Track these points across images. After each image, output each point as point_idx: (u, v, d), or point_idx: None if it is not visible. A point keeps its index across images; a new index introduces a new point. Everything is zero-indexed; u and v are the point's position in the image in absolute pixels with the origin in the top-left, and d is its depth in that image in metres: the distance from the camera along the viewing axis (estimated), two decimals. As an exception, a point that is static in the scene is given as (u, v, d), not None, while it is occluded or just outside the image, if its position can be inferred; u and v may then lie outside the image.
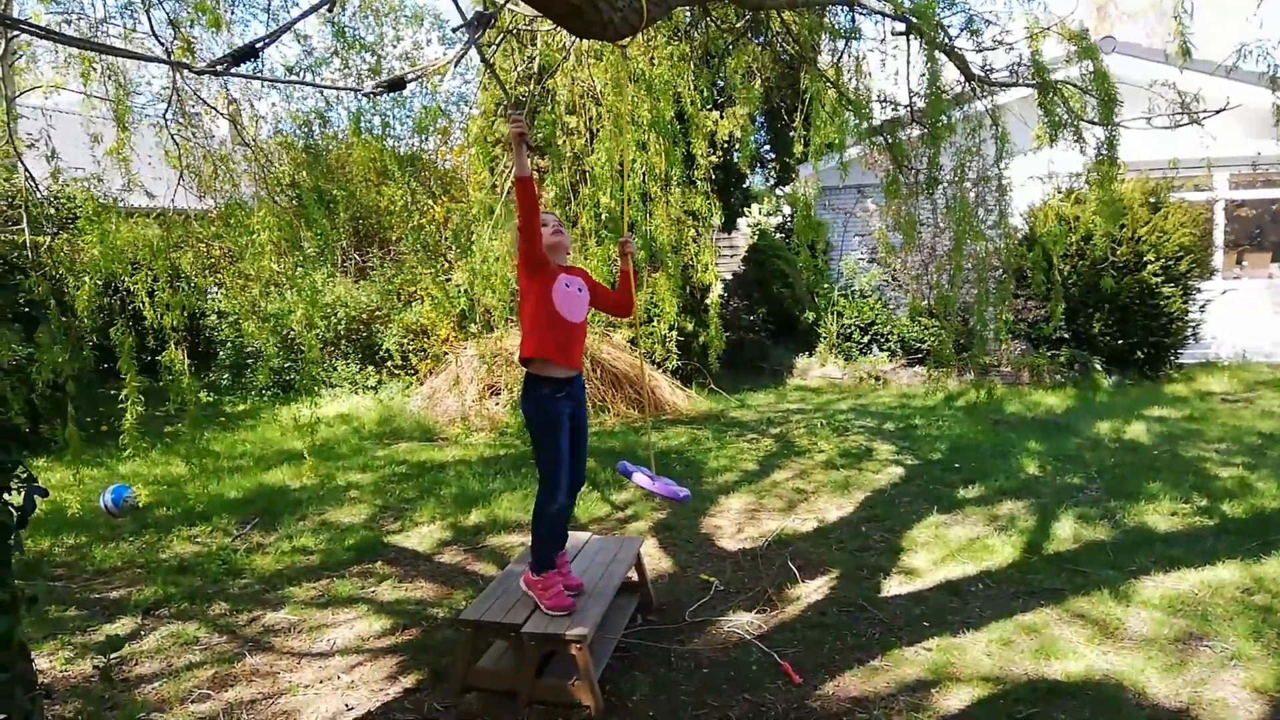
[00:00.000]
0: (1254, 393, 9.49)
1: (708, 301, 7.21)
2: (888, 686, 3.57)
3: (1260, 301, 11.72)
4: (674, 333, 7.00)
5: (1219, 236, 11.93)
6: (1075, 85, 5.17)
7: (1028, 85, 5.25)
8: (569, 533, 4.56)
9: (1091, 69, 5.02)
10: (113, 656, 3.92)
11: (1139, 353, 10.42)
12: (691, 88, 6.16)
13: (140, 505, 5.93)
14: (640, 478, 4.13)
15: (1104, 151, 5.18)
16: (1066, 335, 10.47)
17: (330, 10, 2.35)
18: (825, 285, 11.99)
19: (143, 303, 5.19)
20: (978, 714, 3.33)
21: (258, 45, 2.11)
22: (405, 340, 10.95)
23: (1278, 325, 11.56)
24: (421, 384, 10.22)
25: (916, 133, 5.63)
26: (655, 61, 5.81)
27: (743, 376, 11.29)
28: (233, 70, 2.24)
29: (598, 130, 6.29)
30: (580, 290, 3.72)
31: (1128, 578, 4.50)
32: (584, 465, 3.90)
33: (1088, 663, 3.69)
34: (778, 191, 15.21)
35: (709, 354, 6.82)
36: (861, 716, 3.36)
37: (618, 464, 4.20)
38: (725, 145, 9.23)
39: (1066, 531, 5.24)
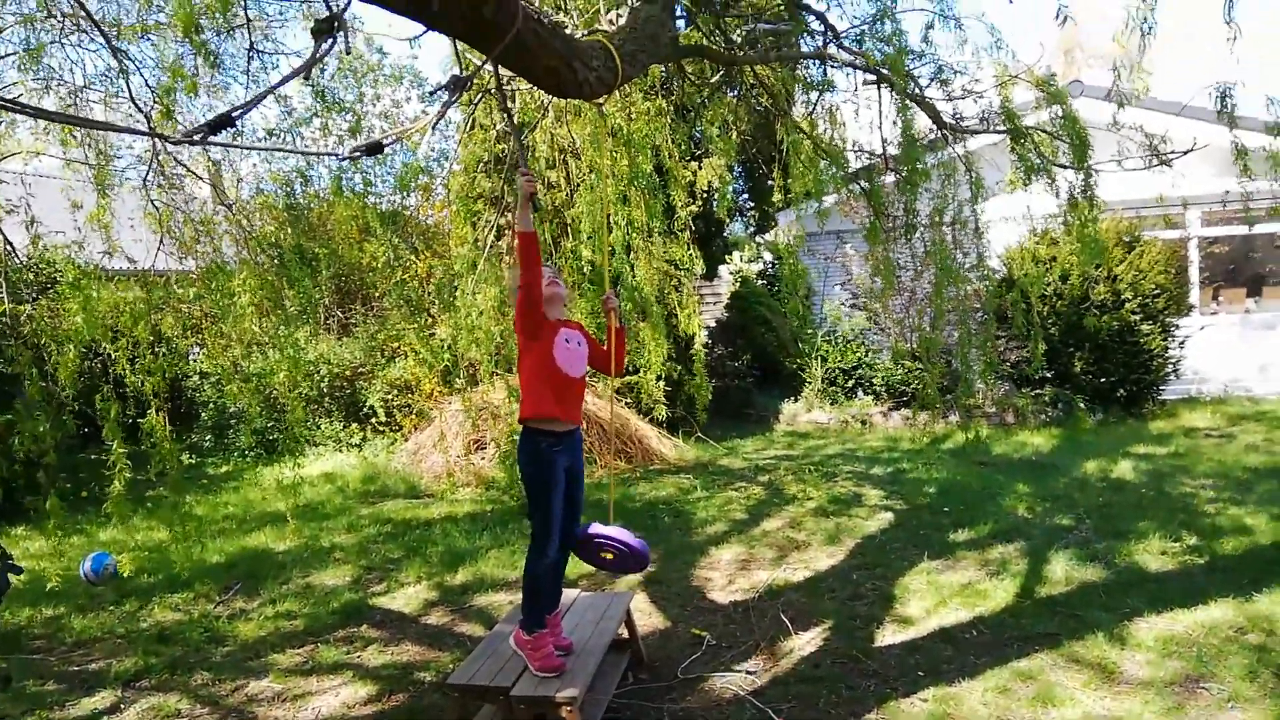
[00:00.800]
0: (1237, 427, 9.55)
1: (692, 351, 7.25)
2: (885, 740, 3.51)
3: (1238, 336, 11.85)
4: (661, 382, 7.00)
5: (1194, 273, 12.09)
6: (1046, 131, 5.27)
7: (999, 132, 5.36)
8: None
9: (1061, 113, 5.12)
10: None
11: (1121, 390, 10.49)
12: (669, 141, 6.25)
13: (121, 574, 5.82)
14: (604, 532, 3.91)
15: (1080, 193, 5.27)
16: (1049, 375, 10.53)
17: (307, 78, 2.38)
18: (809, 330, 12.05)
19: (124, 370, 5.15)
20: (977, 767, 3.28)
21: (234, 114, 2.12)
22: (389, 396, 10.89)
23: (1256, 359, 11.67)
24: (406, 440, 10.15)
25: (892, 179, 5.72)
26: (633, 116, 5.90)
27: (730, 424, 11.27)
28: (210, 139, 2.25)
29: (578, 184, 6.36)
30: (580, 344, 3.71)
31: (1121, 620, 4.47)
32: (579, 520, 3.85)
33: (1085, 709, 3.65)
34: (757, 239, 15.36)
35: (695, 403, 6.83)
36: (859, 773, 3.29)
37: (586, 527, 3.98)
38: (704, 195, 9.34)
39: (1059, 574, 5.21)
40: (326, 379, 11.13)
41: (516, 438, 3.86)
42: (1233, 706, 3.59)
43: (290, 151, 6.59)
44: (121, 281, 6.32)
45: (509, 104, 7.01)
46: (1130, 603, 4.68)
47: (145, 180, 5.94)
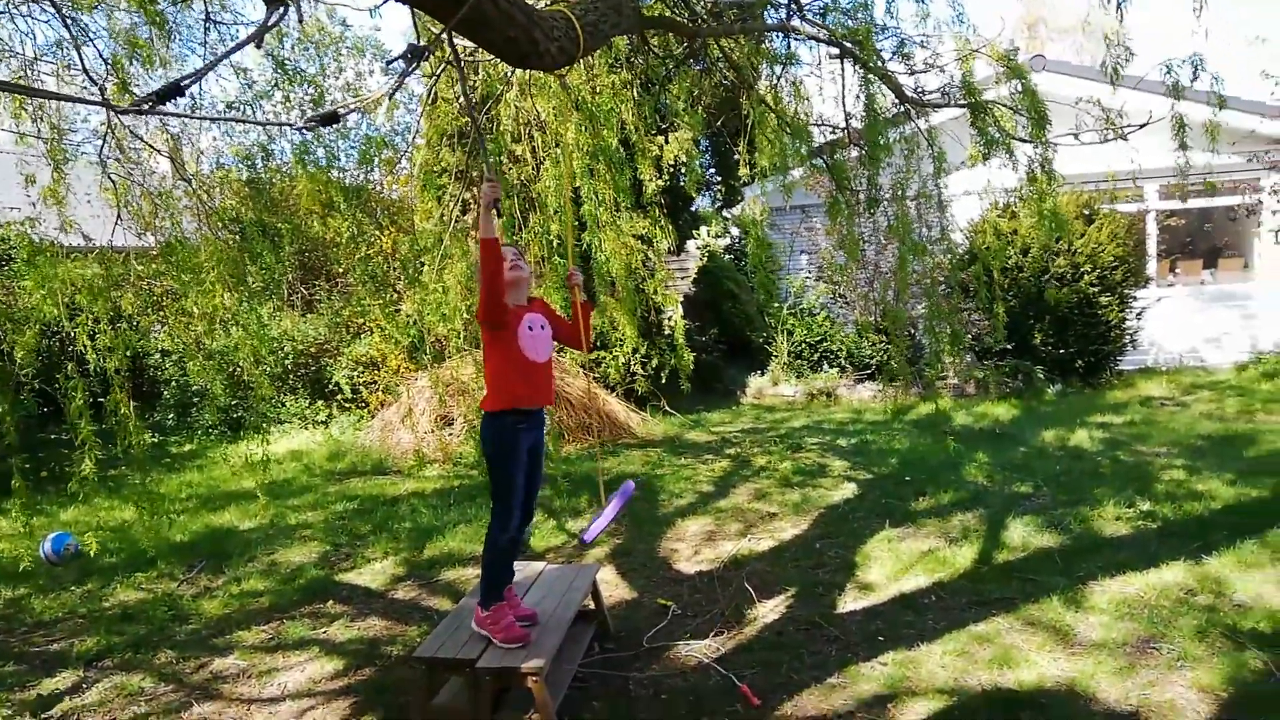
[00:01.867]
0: (1191, 396, 9.78)
1: (668, 324, 7.26)
2: (845, 704, 3.59)
3: (1194, 307, 12.11)
4: (637, 356, 7.02)
5: (1152, 246, 12.31)
6: (1005, 105, 5.32)
7: (960, 106, 5.40)
8: (524, 563, 4.54)
9: (1020, 88, 5.17)
10: (55, 712, 3.79)
11: (1080, 361, 10.69)
12: (635, 114, 6.22)
13: (84, 553, 5.75)
14: (600, 523, 4.16)
15: (1039, 167, 5.33)
16: (1009, 347, 10.69)
17: (259, 45, 2.34)
18: (775, 305, 12.12)
19: (84, 347, 5.05)
20: (934, 727, 3.36)
21: (183, 83, 2.09)
22: (355, 373, 10.81)
23: (1211, 330, 11.94)
24: (373, 417, 10.09)
25: (855, 154, 5.75)
26: (598, 90, 5.86)
27: (697, 397, 11.33)
28: (160, 108, 2.21)
29: (544, 158, 6.32)
30: (543, 328, 3.69)
31: (1077, 584, 4.59)
32: (535, 498, 3.88)
33: (1041, 670, 3.75)
34: (725, 214, 15.38)
35: (679, 376, 6.85)
36: (820, 735, 3.37)
37: (582, 536, 4.21)
38: (671, 169, 9.33)
39: (1016, 540, 5.33)
40: (291, 356, 11.01)
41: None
42: (1182, 665, 3.70)
43: (245, 121, 6.47)
44: (79, 258, 6.20)
45: (467, 82, 6.95)
46: (1085, 567, 4.81)
47: (101, 154, 5.82)
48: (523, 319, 3.61)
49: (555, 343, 3.83)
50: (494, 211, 3.39)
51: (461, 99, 6.95)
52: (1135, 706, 3.42)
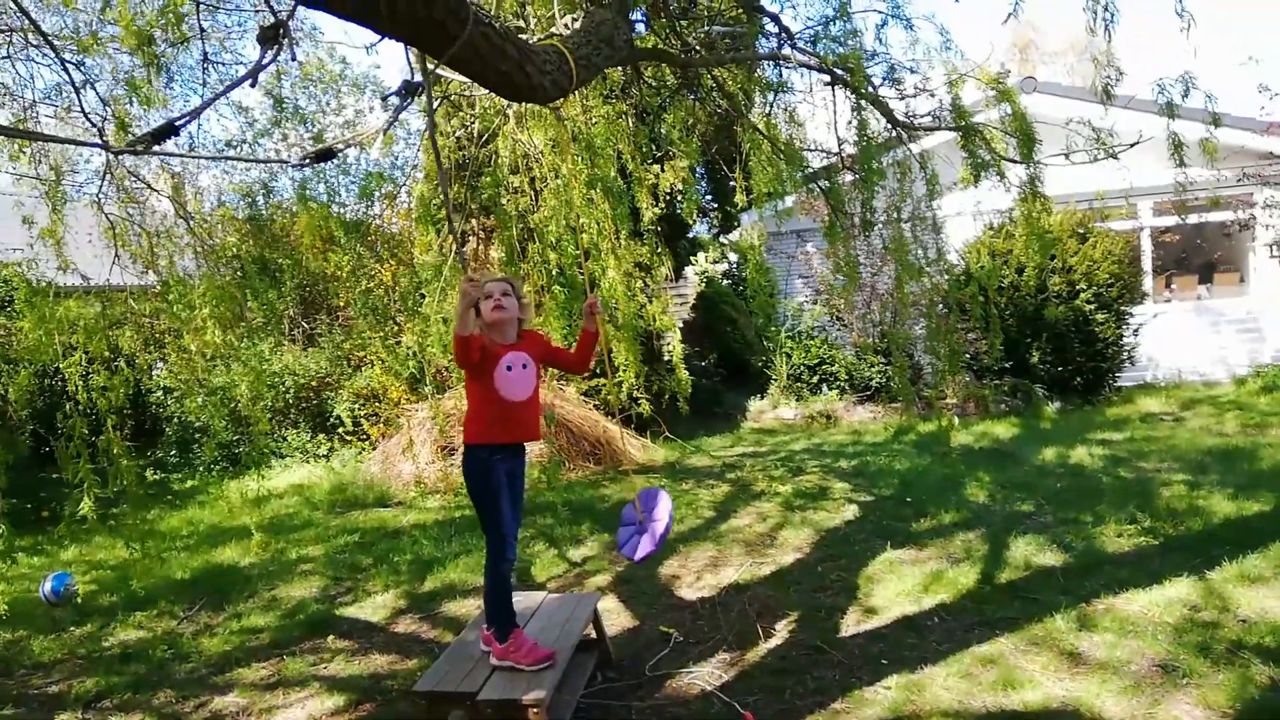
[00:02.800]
0: (1190, 411, 9.77)
1: (666, 349, 7.26)
2: (849, 729, 3.57)
3: (1190, 322, 12.14)
4: (639, 380, 7.03)
5: (1147, 262, 12.36)
6: (996, 127, 5.38)
7: (950, 129, 5.46)
8: (524, 593, 4.54)
9: (1010, 110, 5.23)
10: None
11: (1078, 379, 10.70)
12: (631, 144, 6.29)
13: (79, 597, 5.73)
14: (647, 541, 3.94)
15: (1028, 188, 5.38)
16: (1007, 365, 10.71)
17: (253, 85, 2.38)
18: (773, 328, 12.16)
19: (76, 387, 5.08)
20: (939, 750, 3.34)
21: (178, 123, 2.12)
22: (356, 406, 10.83)
23: (1209, 345, 11.96)
24: (374, 449, 10.09)
25: (849, 178, 5.81)
26: (593, 120, 5.93)
27: (697, 423, 11.32)
28: (155, 148, 2.25)
29: (542, 189, 6.37)
30: (525, 367, 3.64)
31: (1079, 602, 4.57)
32: (519, 520, 3.89)
33: (1045, 691, 3.73)
34: (721, 240, 15.47)
35: (678, 399, 6.87)
36: (824, 761, 3.34)
37: (622, 550, 4.04)
38: (667, 197, 9.41)
39: (1019, 559, 5.31)
40: (292, 390, 11.04)
41: None
42: (1188, 683, 3.68)
43: (240, 160, 6.56)
44: (78, 297, 6.25)
45: (465, 114, 7.02)
46: (1088, 585, 4.79)
47: (99, 194, 5.88)
48: (501, 360, 3.57)
49: (555, 370, 3.84)
50: (472, 310, 3.41)
51: (457, 132, 7.04)
52: (1141, 726, 3.40)
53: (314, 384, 11.28)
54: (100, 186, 5.93)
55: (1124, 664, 3.90)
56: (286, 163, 3.77)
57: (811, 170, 5.99)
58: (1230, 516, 5.69)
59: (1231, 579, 4.64)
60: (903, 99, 5.76)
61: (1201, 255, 13.77)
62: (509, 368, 3.60)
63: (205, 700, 4.26)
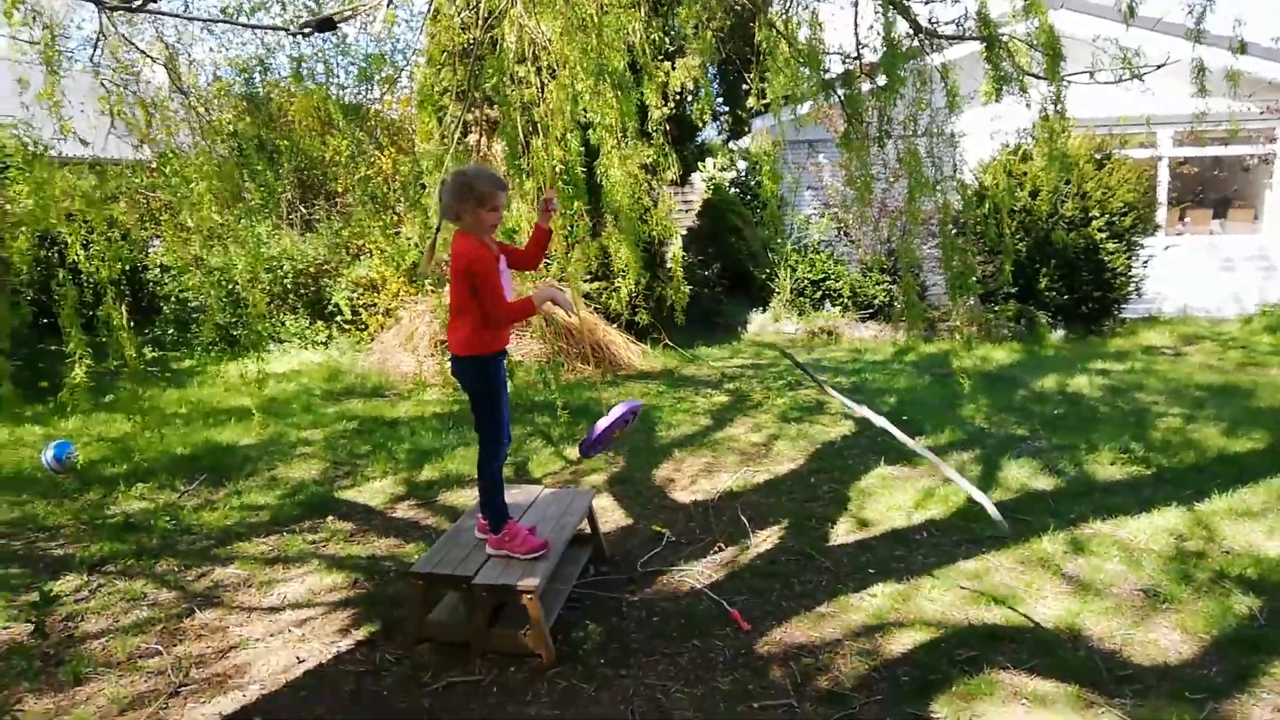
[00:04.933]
0: (1192, 346, 9.77)
1: (667, 256, 7.13)
2: (834, 632, 3.65)
3: (1201, 258, 12.02)
4: (639, 287, 6.96)
5: (1162, 193, 12.16)
6: (1021, 40, 5.18)
7: (975, 39, 5.26)
8: (521, 486, 4.59)
9: (1037, 24, 5.03)
10: (59, 613, 3.86)
11: (1084, 308, 10.65)
12: (643, 36, 6.05)
13: (79, 465, 5.79)
14: (602, 424, 4.11)
15: (1051, 106, 5.22)
16: (1014, 291, 10.65)
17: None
18: (779, 240, 12.02)
19: (78, 256, 5.00)
20: (920, 658, 3.43)
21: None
22: (355, 295, 10.76)
23: (1217, 281, 11.88)
24: (373, 340, 10.08)
25: (868, 86, 5.62)
26: (605, 8, 5.69)
27: (698, 333, 11.31)
28: (151, 6, 2.13)
29: (548, 80, 6.17)
30: (507, 266, 3.71)
31: (1068, 526, 4.64)
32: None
33: (1027, 608, 3.81)
34: (731, 146, 15.14)
35: (674, 309, 6.81)
36: (808, 661, 3.44)
37: (581, 446, 4.19)
38: (677, 97, 9.13)
39: (1011, 481, 5.37)
40: (290, 275, 10.95)
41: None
42: (1168, 608, 3.76)
43: (238, 24, 6.29)
44: (74, 166, 6.10)
45: (440, 15, 6.74)
46: (1078, 510, 4.85)
47: (93, 58, 5.67)
48: (500, 259, 3.60)
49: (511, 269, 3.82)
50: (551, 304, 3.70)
51: (461, 14, 6.77)
52: (1119, 645, 3.49)
53: (312, 270, 11.18)
54: (93, 54, 5.72)
55: (1108, 587, 3.98)
56: (286, 30, 3.61)
57: (830, 76, 5.79)
58: (1223, 451, 5.73)
59: (1219, 511, 4.71)
60: (927, 3, 5.54)
61: (1217, 189, 13.55)
62: (502, 271, 3.64)
63: (207, 570, 4.35)
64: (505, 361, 3.85)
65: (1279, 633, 3.50)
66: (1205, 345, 9.80)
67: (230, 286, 9.77)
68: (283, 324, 10.77)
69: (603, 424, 4.09)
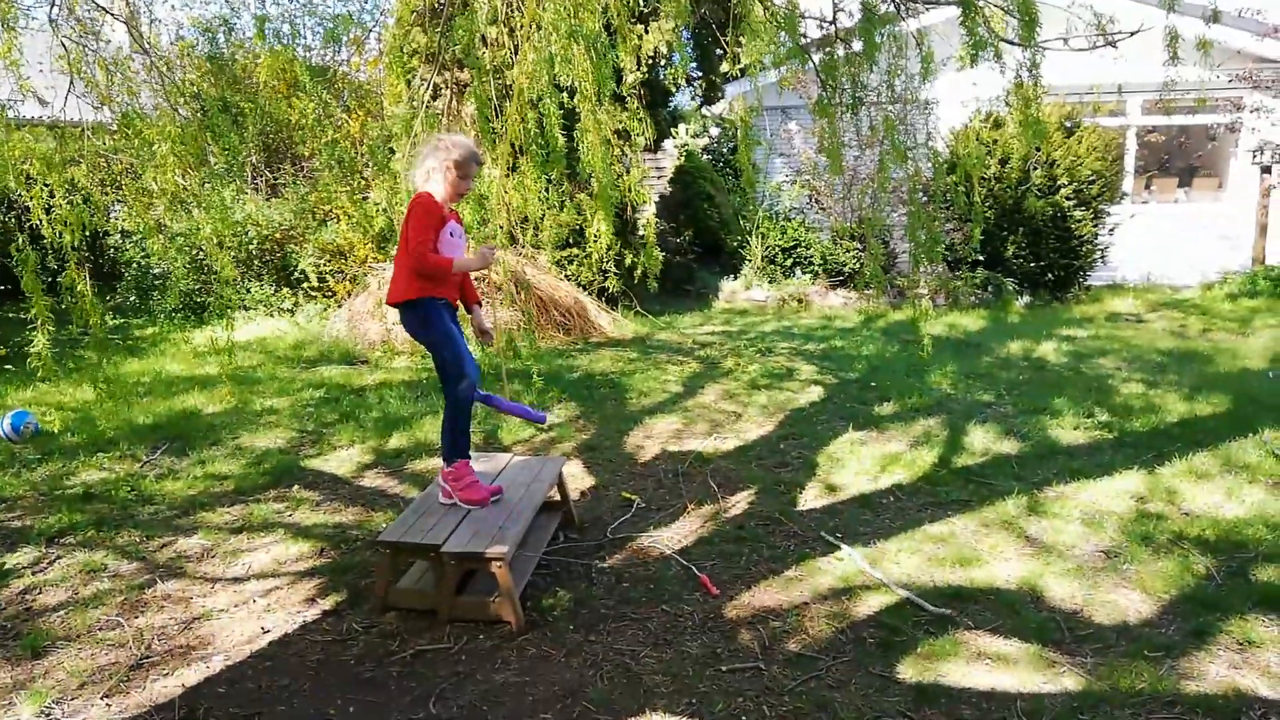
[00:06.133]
0: (1156, 313, 9.91)
1: (640, 223, 7.08)
2: (802, 595, 3.69)
3: (1166, 226, 12.16)
4: (611, 253, 6.90)
5: (1130, 161, 12.27)
6: (997, 5, 5.15)
7: (950, 3, 5.22)
8: (491, 454, 4.56)
9: (1012, -11, 5.00)
10: (15, 586, 3.80)
11: (1050, 275, 10.75)
12: (618, -4, 5.95)
13: (46, 430, 5.67)
14: (509, 404, 4.17)
15: (1025, 72, 5.21)
16: (981, 258, 10.72)
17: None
18: (751, 207, 11.99)
19: (39, 220, 4.86)
20: (886, 619, 3.48)
21: (131, -71, 1.93)
22: (322, 261, 10.60)
23: (1181, 249, 12.03)
24: (340, 307, 9.95)
25: (842, 51, 5.57)
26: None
27: (670, 300, 11.30)
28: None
29: (521, 41, 6.05)
30: (461, 237, 3.74)
31: (1031, 489, 4.71)
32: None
33: (990, 570, 3.87)
34: (705, 111, 15.02)
35: (647, 278, 6.76)
36: (775, 624, 3.47)
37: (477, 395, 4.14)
38: (650, 61, 9.03)
39: (976, 446, 5.44)
40: (255, 241, 10.75)
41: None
42: (1129, 569, 3.84)
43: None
44: (33, 129, 5.92)
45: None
46: (1041, 473, 4.93)
47: (52, 16, 5.48)
48: (449, 223, 3.66)
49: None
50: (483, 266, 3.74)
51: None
52: (1080, 605, 3.55)
53: (278, 236, 10.97)
54: (51, 10, 5.52)
55: (1070, 548, 4.05)
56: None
57: (806, 41, 5.74)
58: (1183, 416, 5.84)
59: (1179, 474, 4.80)
60: (903, -34, 5.48)
61: (1183, 158, 13.69)
62: (452, 233, 3.67)
63: (169, 541, 4.29)
64: (456, 316, 3.84)
65: (1235, 592, 3.58)
66: (1167, 312, 9.94)
67: (195, 252, 9.61)
68: (248, 291, 10.60)
69: (509, 404, 4.15)
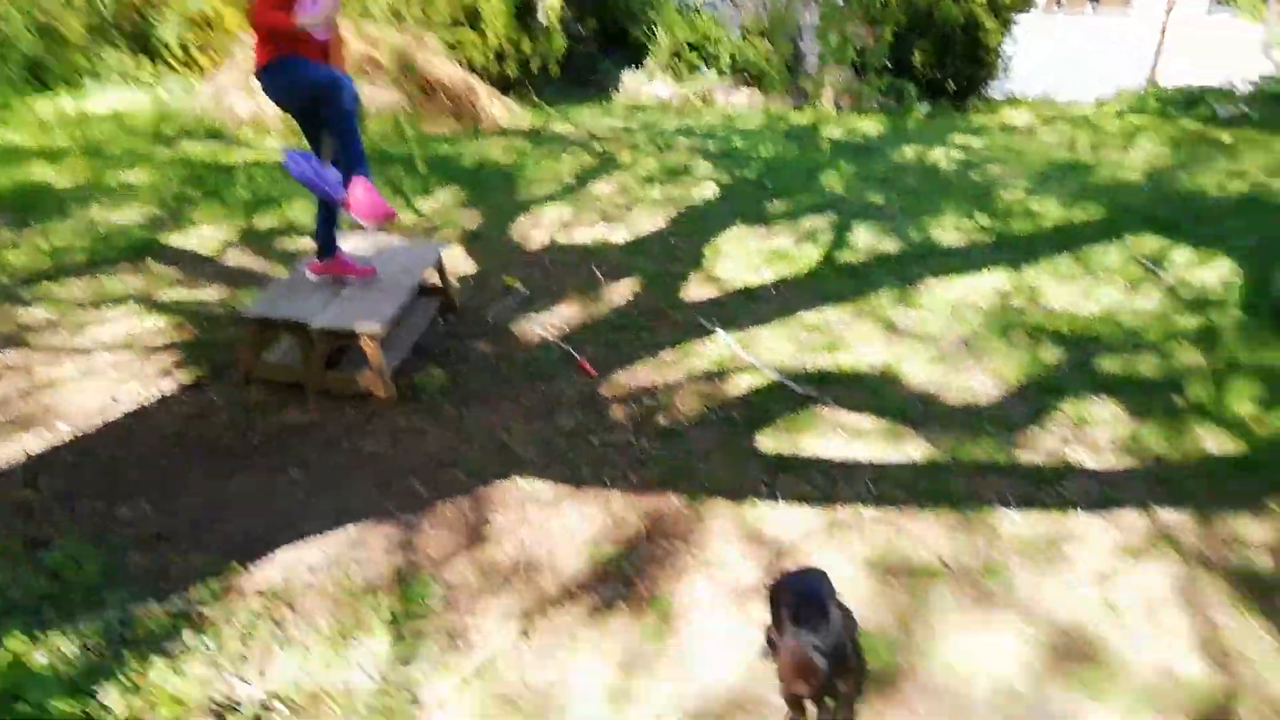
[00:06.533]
0: (1048, 126, 10.00)
1: (540, 6, 6.56)
2: (677, 376, 3.75)
3: (1070, 39, 12.12)
4: (509, 42, 6.41)
5: (1045, -30, 12.01)
6: None
7: None
8: (370, 234, 4.31)
9: None
10: None
11: (951, 83, 10.67)
12: None
13: None
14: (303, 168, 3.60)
15: None
16: (888, 64, 10.50)
17: None
18: (660, -4, 11.33)
19: None
20: (755, 399, 3.58)
21: None
22: (186, 33, 9.57)
23: (1082, 64, 12.06)
24: (207, 80, 9.10)
25: None
26: None
27: (569, 91, 10.76)
28: None
29: None
30: (315, 3, 3.25)
31: (906, 284, 4.82)
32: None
33: (859, 355, 4.00)
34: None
35: (547, 67, 6.33)
36: (649, 403, 3.53)
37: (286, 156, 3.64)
38: None
39: (859, 245, 5.50)
40: (109, 6, 9.57)
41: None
42: (985, 356, 4.02)
43: None
44: None
45: None
46: (917, 270, 5.03)
47: None
48: None
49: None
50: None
51: None
52: (938, 388, 3.73)
53: (136, 1, 9.79)
54: None
55: (934, 338, 4.20)
56: None
57: None
58: (1058, 222, 6.01)
59: (1045, 274, 4.98)
60: None
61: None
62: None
63: (8, 312, 3.99)
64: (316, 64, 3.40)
65: (1078, 379, 3.81)
66: (1059, 125, 10.05)
67: (36, 11, 8.56)
68: (100, 58, 9.55)
69: (320, 174, 3.59)
